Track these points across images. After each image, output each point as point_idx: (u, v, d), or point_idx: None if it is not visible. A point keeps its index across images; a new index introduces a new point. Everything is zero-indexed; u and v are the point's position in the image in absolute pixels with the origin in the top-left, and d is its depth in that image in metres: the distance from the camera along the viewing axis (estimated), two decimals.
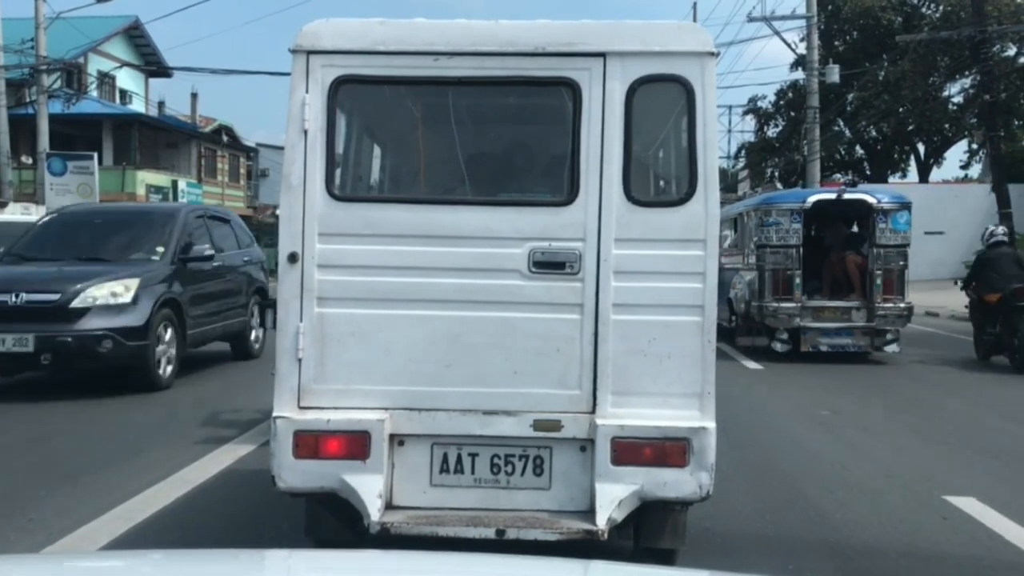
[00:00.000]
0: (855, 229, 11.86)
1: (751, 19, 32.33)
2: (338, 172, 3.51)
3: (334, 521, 3.40)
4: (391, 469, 3.32)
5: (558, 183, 3.49)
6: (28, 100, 25.12)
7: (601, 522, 3.18)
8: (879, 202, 10.95)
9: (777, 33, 32.72)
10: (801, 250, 10.80)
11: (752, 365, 10.42)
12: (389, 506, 3.29)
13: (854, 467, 5.71)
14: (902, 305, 10.76)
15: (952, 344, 13.47)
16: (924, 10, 36.58)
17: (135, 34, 35.14)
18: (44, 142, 24.51)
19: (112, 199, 29.21)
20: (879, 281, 10.73)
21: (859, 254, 11.22)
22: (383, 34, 3.34)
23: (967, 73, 35.05)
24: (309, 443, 3.26)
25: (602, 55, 3.32)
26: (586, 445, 3.31)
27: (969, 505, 4.76)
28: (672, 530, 3.43)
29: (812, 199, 11.10)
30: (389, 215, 3.40)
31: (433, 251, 3.34)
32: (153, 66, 35.55)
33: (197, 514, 4.54)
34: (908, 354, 12.05)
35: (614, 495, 3.22)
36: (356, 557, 2.18)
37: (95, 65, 31.58)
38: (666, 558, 3.49)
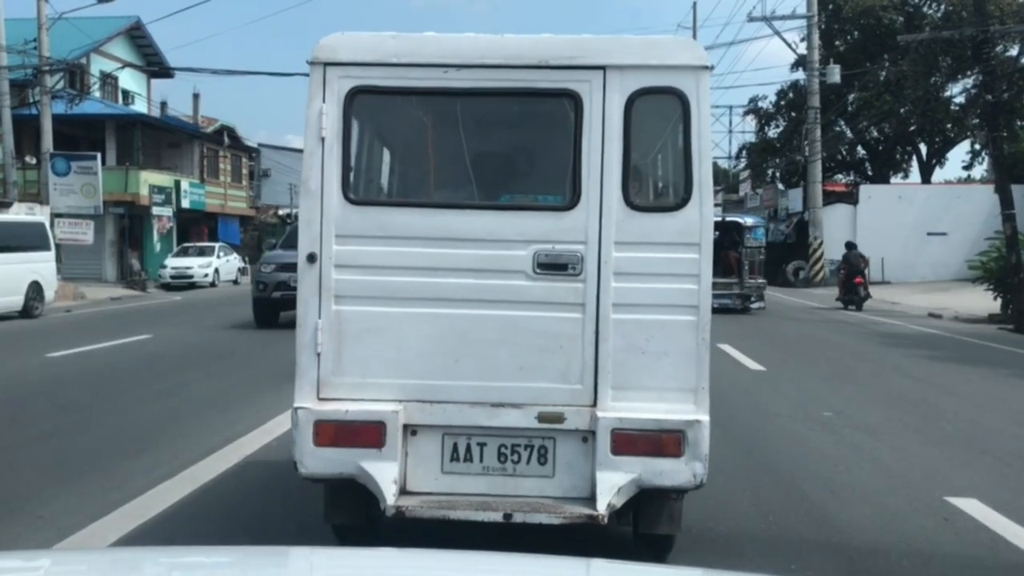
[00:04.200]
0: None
1: (751, 19, 32.41)
2: (353, 177, 3.65)
3: (351, 507, 3.62)
4: (405, 457, 3.49)
5: (561, 189, 3.66)
6: (31, 101, 25.15)
7: (601, 507, 3.36)
8: (745, 222, 19.70)
9: (777, 33, 32.78)
10: None
11: (754, 366, 10.45)
12: (403, 491, 3.47)
13: (856, 468, 5.74)
14: (760, 281, 19.12)
15: (955, 346, 13.50)
16: (925, 9, 36.56)
17: (137, 34, 35.22)
18: (48, 142, 24.59)
19: (115, 199, 29.35)
20: (747, 267, 18.83)
21: (737, 252, 18.99)
22: (395, 47, 3.50)
23: (968, 73, 35.07)
24: (328, 432, 3.44)
25: (602, 68, 3.48)
26: (587, 436, 3.49)
27: (971, 506, 4.79)
28: (669, 517, 3.63)
29: None
30: (401, 218, 3.56)
31: (443, 252, 3.51)
32: (155, 67, 35.63)
33: (205, 512, 4.58)
34: (908, 355, 12.08)
35: (614, 483, 3.39)
36: (360, 555, 2.24)
37: (97, 66, 31.64)
38: (663, 544, 3.74)
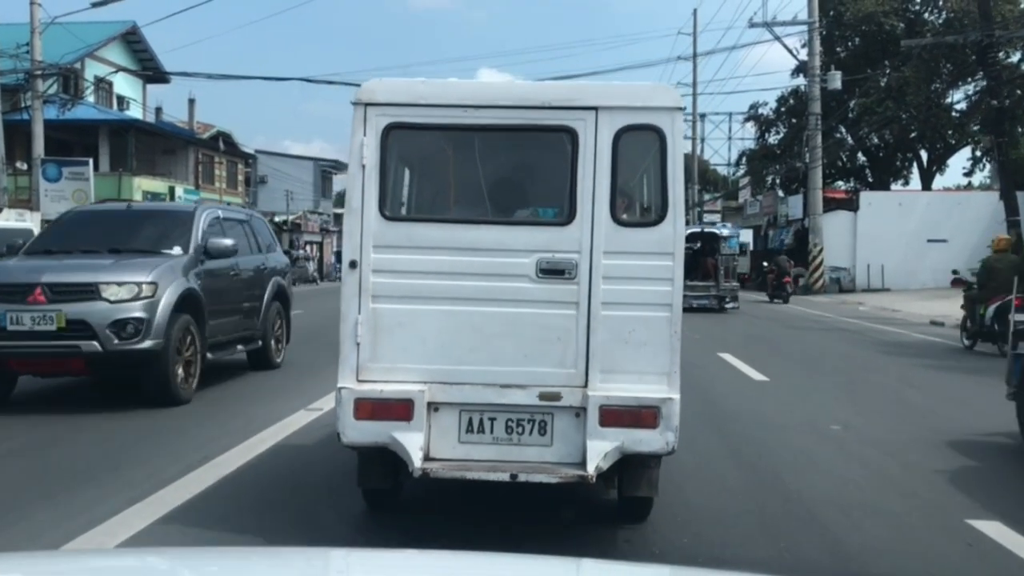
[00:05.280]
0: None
1: (752, 25, 32.23)
2: (388, 198, 4.25)
3: (380, 473, 4.30)
4: (429, 429, 4.09)
5: (559, 208, 4.28)
6: (24, 105, 24.86)
7: (591, 469, 3.95)
8: (722, 233, 23.75)
9: (778, 39, 32.57)
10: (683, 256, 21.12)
11: (757, 376, 10.14)
12: (427, 457, 4.06)
13: (868, 486, 5.43)
14: (734, 284, 22.71)
15: (960, 355, 13.19)
16: (926, 16, 36.36)
17: (133, 39, 34.97)
18: (39, 148, 24.30)
19: None
20: (722, 272, 22.01)
21: (714, 259, 22.22)
22: (424, 91, 4.17)
23: (969, 80, 34.86)
24: (367, 408, 4.06)
25: (594, 109, 4.12)
26: (580, 412, 4.08)
27: (995, 530, 4.47)
28: (647, 482, 4.26)
29: (688, 231, 25.91)
30: (428, 232, 4.21)
31: (462, 260, 4.14)
32: (151, 71, 35.34)
33: (174, 539, 4.25)
34: (913, 364, 11.79)
35: (601, 449, 3.99)
36: (353, 556, 2.31)
37: (93, 71, 31.37)
38: (644, 505, 4.44)
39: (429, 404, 4.08)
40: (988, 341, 12.91)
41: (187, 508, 4.70)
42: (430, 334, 4.14)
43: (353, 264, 4.13)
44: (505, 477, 3.96)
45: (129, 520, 4.46)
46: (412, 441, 4.00)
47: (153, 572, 1.97)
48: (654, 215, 4.20)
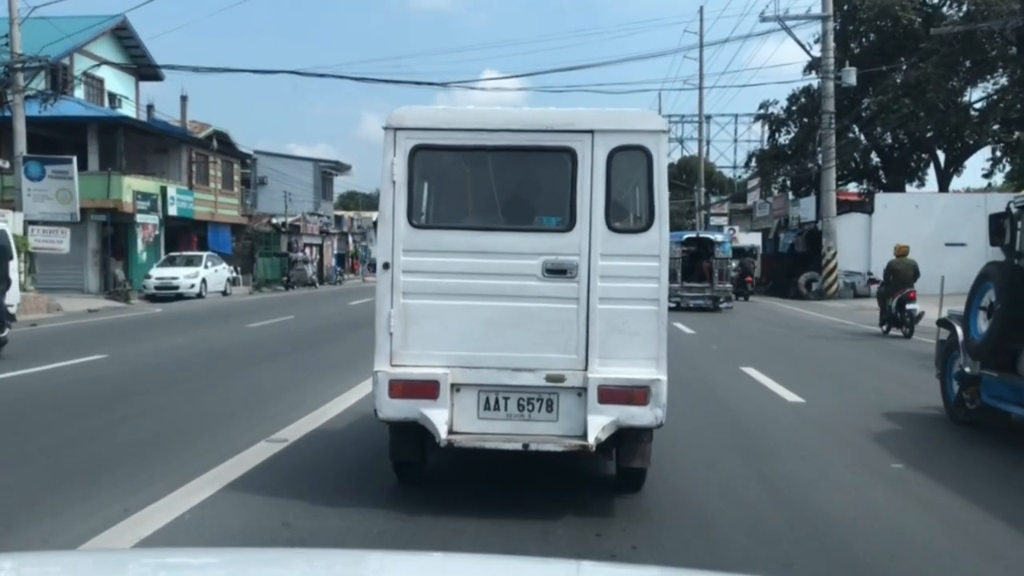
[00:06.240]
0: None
1: (764, 19, 31.13)
2: (415, 208, 4.88)
3: (409, 447, 4.96)
4: (452, 406, 4.71)
5: (562, 216, 4.89)
6: (5, 101, 23.84)
7: (591, 440, 4.58)
8: (716, 239, 25.32)
9: (790, 32, 31.45)
10: (681, 260, 23.22)
11: (791, 397, 9.01)
12: (451, 431, 4.67)
13: (962, 554, 4.34)
14: (727, 286, 24.37)
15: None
16: (945, 10, 35.23)
17: (123, 35, 34.03)
18: (21, 145, 23.34)
19: (97, 206, 28.03)
20: (717, 274, 23.84)
21: (709, 261, 23.93)
22: (445, 117, 4.86)
23: (988, 77, 33.72)
24: (399, 388, 4.68)
25: (591, 132, 4.75)
26: (581, 391, 4.70)
27: None
28: (641, 454, 4.90)
29: (685, 237, 25.14)
30: (449, 238, 4.86)
31: (478, 262, 4.78)
32: (142, 67, 34.33)
33: None
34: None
35: (599, 423, 4.61)
36: (354, 557, 2.22)
37: (82, 67, 30.34)
38: (638, 475, 5.06)
39: (452, 385, 4.70)
40: (895, 327, 16.63)
41: None
42: (452, 325, 4.76)
43: (386, 266, 4.79)
44: (518, 446, 4.61)
45: None
46: (438, 416, 4.63)
47: (155, 573, 1.96)
48: (643, 223, 4.81)
